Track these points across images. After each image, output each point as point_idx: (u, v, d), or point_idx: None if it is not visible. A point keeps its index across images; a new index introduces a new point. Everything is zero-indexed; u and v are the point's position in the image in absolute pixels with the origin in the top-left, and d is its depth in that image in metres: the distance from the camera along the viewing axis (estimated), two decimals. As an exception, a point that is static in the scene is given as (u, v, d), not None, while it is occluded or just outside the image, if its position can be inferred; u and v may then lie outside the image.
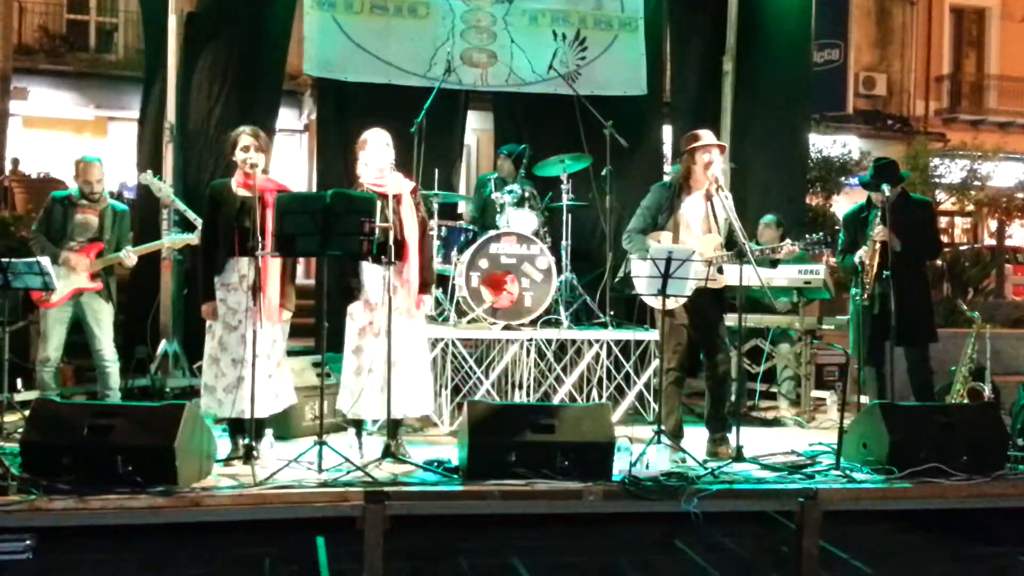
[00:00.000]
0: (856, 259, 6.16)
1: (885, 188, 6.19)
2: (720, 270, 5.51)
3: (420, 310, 5.29)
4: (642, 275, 5.28)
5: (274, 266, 5.07)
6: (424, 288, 5.31)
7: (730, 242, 5.47)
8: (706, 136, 5.58)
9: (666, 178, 5.82)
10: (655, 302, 5.38)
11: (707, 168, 5.50)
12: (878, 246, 6.03)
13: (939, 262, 10.92)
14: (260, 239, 4.86)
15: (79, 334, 6.19)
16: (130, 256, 6.12)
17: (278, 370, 5.21)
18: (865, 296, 6.15)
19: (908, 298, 6.02)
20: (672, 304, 5.43)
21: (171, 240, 6.38)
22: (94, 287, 6.06)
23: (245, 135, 5.13)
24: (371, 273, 5.16)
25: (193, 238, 6.42)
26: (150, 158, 7.77)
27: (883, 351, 6.05)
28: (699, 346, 5.70)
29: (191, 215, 6.48)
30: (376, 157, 5.22)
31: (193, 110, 7.82)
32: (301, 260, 6.16)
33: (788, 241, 5.63)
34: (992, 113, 21.58)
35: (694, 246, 5.38)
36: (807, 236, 5.77)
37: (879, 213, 6.05)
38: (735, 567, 5.00)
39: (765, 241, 7.33)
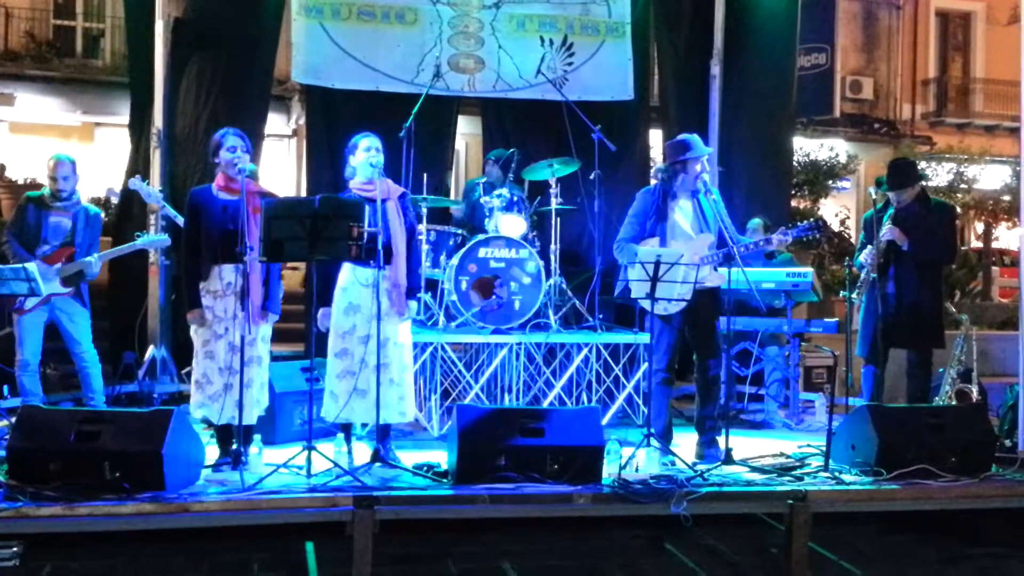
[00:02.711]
0: (861, 259, 6.20)
1: (872, 191, 6.25)
2: (716, 267, 5.53)
3: (405, 315, 5.28)
4: (635, 280, 5.29)
5: (258, 271, 5.05)
6: (409, 293, 5.29)
7: (722, 241, 5.49)
8: (697, 145, 5.59)
9: (652, 182, 5.83)
10: (655, 307, 5.38)
11: (698, 176, 5.53)
12: (883, 245, 6.06)
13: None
14: (248, 242, 4.85)
15: (60, 340, 6.18)
16: (97, 264, 6.10)
17: (264, 374, 5.20)
18: (855, 295, 6.18)
19: (917, 300, 6.07)
20: (672, 309, 5.44)
21: (144, 242, 6.35)
22: (66, 292, 6.05)
23: (231, 136, 5.10)
24: (353, 278, 5.16)
25: (166, 240, 6.40)
26: (140, 163, 7.75)
27: (886, 353, 6.11)
28: (693, 348, 5.70)
29: (180, 221, 6.46)
30: (364, 161, 5.22)
31: (181, 116, 7.81)
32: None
33: (781, 230, 5.64)
34: (978, 116, 21.71)
35: (688, 247, 5.39)
36: (799, 222, 5.79)
37: (892, 214, 6.10)
38: (725, 570, 5.00)
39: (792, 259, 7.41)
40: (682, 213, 5.59)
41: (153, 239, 6.48)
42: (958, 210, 14.85)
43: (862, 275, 6.26)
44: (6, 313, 6.56)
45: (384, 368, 5.10)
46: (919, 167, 6.51)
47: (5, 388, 6.47)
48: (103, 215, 6.54)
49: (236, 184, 5.00)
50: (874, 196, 6.22)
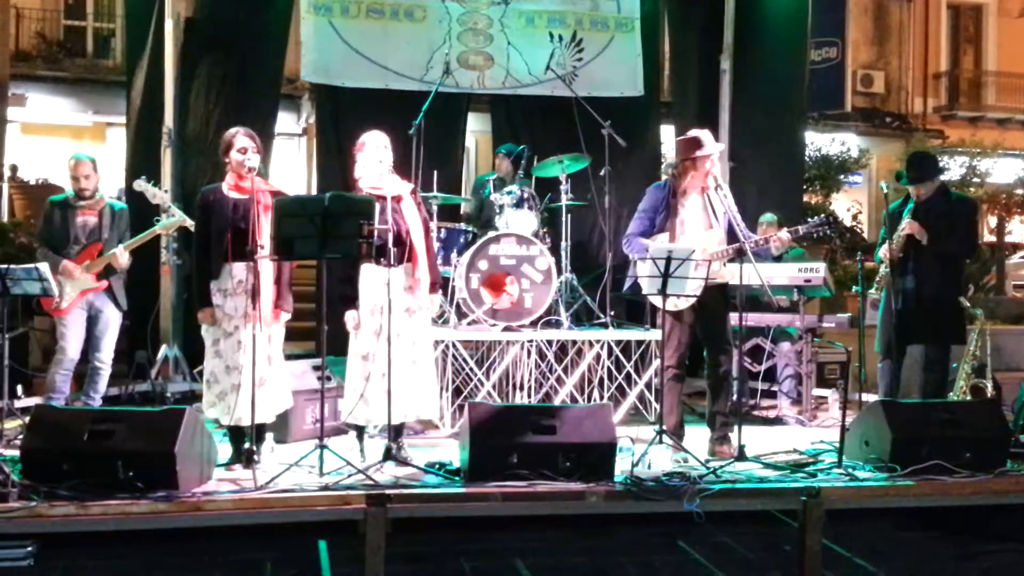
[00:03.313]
0: (880, 254, 6.17)
1: (883, 186, 6.22)
2: (726, 263, 5.51)
3: (428, 311, 5.28)
4: (645, 276, 5.28)
5: (267, 268, 5.05)
6: (431, 288, 5.29)
7: (732, 237, 5.47)
8: (708, 143, 5.56)
9: (663, 177, 5.82)
10: (665, 303, 5.37)
11: (708, 172, 5.51)
12: (902, 240, 6.03)
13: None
14: (258, 239, 4.85)
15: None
16: (123, 253, 6.12)
17: (276, 373, 5.21)
18: (877, 290, 6.14)
19: (937, 295, 6.04)
20: (682, 304, 5.43)
21: (163, 225, 6.36)
22: (100, 286, 6.09)
23: (241, 136, 5.11)
24: (375, 277, 5.15)
25: (186, 219, 6.41)
26: (138, 162, 7.77)
27: (902, 349, 6.08)
28: (703, 344, 5.69)
29: (188, 223, 6.47)
30: (373, 159, 5.22)
31: (191, 115, 7.83)
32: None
33: (785, 230, 5.61)
34: (990, 109, 21.59)
35: (697, 243, 5.37)
36: (807, 219, 5.77)
37: (912, 208, 6.07)
38: (738, 567, 4.99)
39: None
40: (692, 209, 5.56)
41: (172, 220, 6.45)
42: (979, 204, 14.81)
43: (881, 269, 6.22)
44: (19, 313, 6.60)
45: (414, 365, 5.12)
46: (927, 160, 6.47)
47: (19, 388, 6.50)
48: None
49: (247, 183, 5.01)
50: (885, 191, 6.18)
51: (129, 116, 8.18)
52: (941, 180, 6.30)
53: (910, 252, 6.09)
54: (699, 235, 5.50)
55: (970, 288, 11.24)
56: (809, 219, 5.74)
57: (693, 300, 5.38)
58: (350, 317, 5.15)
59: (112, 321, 6.21)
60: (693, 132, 5.69)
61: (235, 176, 5.08)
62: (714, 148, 5.56)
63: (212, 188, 5.19)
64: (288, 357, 5.51)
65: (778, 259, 7.26)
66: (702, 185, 5.55)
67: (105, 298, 6.15)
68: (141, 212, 7.16)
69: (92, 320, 6.16)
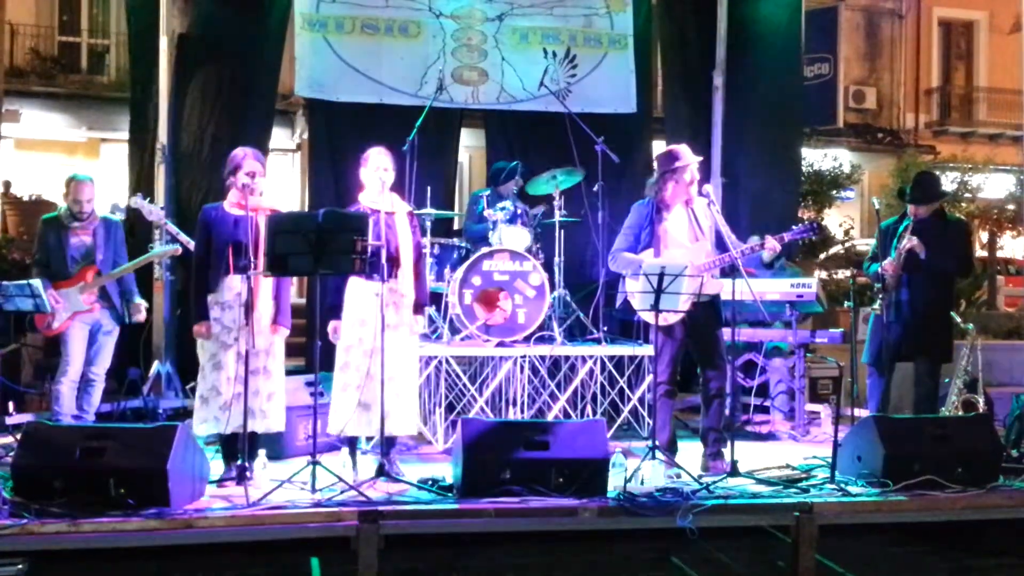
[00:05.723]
0: (879, 268, 6.19)
1: (875, 201, 6.26)
2: (715, 276, 5.52)
3: (411, 329, 5.28)
4: (636, 292, 5.29)
5: (265, 284, 5.06)
6: (417, 308, 5.31)
7: (720, 249, 5.49)
8: (684, 155, 5.59)
9: (647, 194, 5.82)
10: (653, 318, 5.38)
11: (690, 184, 5.53)
12: (903, 256, 6.07)
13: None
14: (252, 258, 4.86)
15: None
16: (139, 310, 6.28)
17: (277, 387, 5.20)
18: (877, 306, 6.15)
19: (929, 311, 6.08)
20: (673, 319, 5.43)
21: (154, 254, 6.39)
22: (91, 309, 6.08)
23: (251, 160, 5.12)
24: (361, 290, 5.16)
25: (177, 248, 6.42)
26: (140, 179, 7.78)
27: (892, 364, 6.10)
28: (696, 360, 5.70)
29: (183, 238, 6.48)
30: (374, 176, 5.26)
31: (185, 131, 7.83)
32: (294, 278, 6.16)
33: (769, 237, 5.62)
34: (982, 125, 21.69)
35: (685, 257, 5.39)
36: (794, 226, 5.79)
37: (909, 224, 6.11)
38: (731, 582, 4.99)
39: (798, 272, 7.42)
40: (676, 223, 5.58)
41: (165, 249, 6.48)
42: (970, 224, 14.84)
43: (887, 282, 6.21)
44: (11, 330, 6.59)
45: (390, 381, 5.11)
46: (936, 182, 6.52)
47: (11, 404, 6.48)
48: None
49: (248, 201, 5.02)
50: (877, 206, 6.22)
51: (133, 132, 8.18)
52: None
53: (906, 268, 6.12)
54: (685, 248, 5.52)
55: (962, 303, 11.27)
56: (794, 226, 5.76)
57: (683, 315, 5.39)
58: (332, 328, 5.21)
59: (110, 334, 6.22)
60: (671, 146, 5.75)
61: (238, 195, 5.08)
62: (691, 159, 5.58)
63: (214, 206, 5.21)
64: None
65: (769, 266, 7.27)
66: (685, 198, 5.58)
67: (105, 312, 6.16)
68: (139, 228, 7.19)
69: (91, 333, 6.17)
